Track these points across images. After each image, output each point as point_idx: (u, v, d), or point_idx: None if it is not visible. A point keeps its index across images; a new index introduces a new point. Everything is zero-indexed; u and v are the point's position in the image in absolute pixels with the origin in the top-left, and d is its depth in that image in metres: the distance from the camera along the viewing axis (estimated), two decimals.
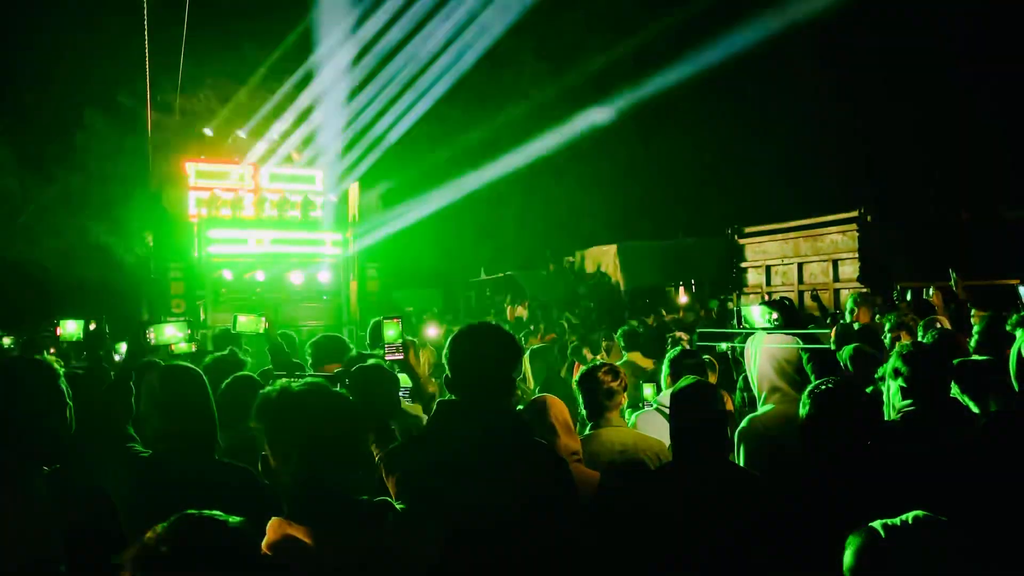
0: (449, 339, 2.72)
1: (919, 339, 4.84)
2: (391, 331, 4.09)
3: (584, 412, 3.95)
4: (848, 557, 1.92)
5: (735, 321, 3.58)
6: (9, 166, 22.90)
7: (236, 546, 1.59)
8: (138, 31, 17.10)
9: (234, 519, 1.63)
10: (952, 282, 6.59)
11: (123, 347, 4.80)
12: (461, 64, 22.99)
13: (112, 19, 19.20)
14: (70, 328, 3.92)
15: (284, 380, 2.15)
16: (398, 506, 2.12)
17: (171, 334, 3.78)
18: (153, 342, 3.55)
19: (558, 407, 3.57)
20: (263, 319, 4.42)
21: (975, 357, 3.64)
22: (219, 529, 1.60)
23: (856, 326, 6.50)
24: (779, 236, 14.13)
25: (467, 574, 2.26)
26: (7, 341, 7.10)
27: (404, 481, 2.43)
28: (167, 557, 1.53)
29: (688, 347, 7.86)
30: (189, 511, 1.63)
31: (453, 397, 2.66)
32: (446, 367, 2.69)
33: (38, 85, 21.44)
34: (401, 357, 4.05)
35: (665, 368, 5.14)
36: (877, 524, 1.95)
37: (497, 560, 2.32)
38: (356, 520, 1.96)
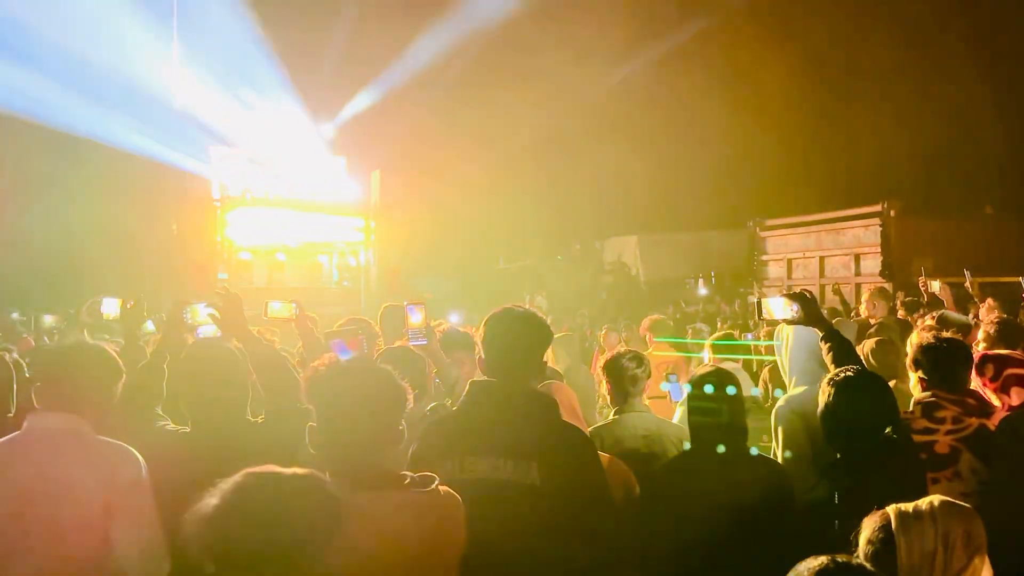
0: (483, 320, 2.81)
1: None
2: (416, 316, 4.13)
3: (608, 398, 4.01)
4: (863, 539, 1.99)
5: (755, 313, 3.63)
6: (35, 149, 23.12)
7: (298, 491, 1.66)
8: (166, 14, 17.23)
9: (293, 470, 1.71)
10: (966, 279, 6.58)
11: (149, 325, 4.87)
12: (482, 50, 23.00)
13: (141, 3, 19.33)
14: (108, 306, 4.02)
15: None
16: (442, 489, 2.18)
17: (205, 315, 3.87)
18: (190, 322, 3.63)
19: (564, 392, 3.63)
20: (294, 305, 4.51)
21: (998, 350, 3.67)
22: (280, 480, 1.67)
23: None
24: (801, 229, 14.10)
25: (492, 550, 2.34)
26: (48, 319, 7.30)
27: (421, 456, 2.52)
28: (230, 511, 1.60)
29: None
30: (249, 470, 1.70)
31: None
32: (480, 348, 2.79)
33: (62, 64, 21.58)
34: (426, 342, 4.10)
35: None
36: (891, 509, 2.01)
37: (520, 537, 2.40)
38: (402, 489, 2.04)
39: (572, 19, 23.85)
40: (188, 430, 2.90)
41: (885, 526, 2.01)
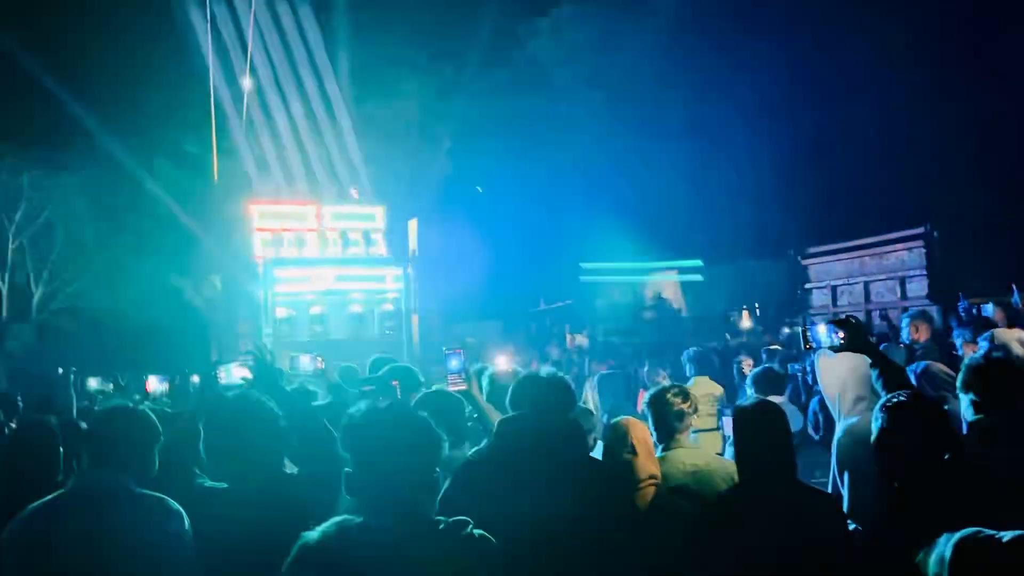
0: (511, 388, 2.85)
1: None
2: (455, 362, 4.13)
3: (655, 434, 3.94)
4: (948, 555, 1.93)
5: (800, 342, 3.55)
6: (84, 216, 23.78)
7: None
8: (203, 80, 17.70)
9: None
10: (1016, 297, 6.42)
11: (195, 378, 4.93)
12: (516, 98, 23.28)
13: (179, 69, 19.93)
14: (155, 384, 4.08)
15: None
16: (476, 532, 2.16)
17: (239, 374, 3.89)
18: (223, 382, 3.67)
19: (640, 429, 3.58)
20: (319, 358, 4.53)
21: None
22: None
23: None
24: (844, 255, 13.90)
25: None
26: (94, 383, 7.40)
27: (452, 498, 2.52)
28: None
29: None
30: None
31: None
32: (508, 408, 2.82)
33: (110, 136, 22.29)
34: (465, 388, 4.10)
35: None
36: (973, 531, 1.95)
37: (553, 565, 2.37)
38: (437, 535, 2.02)
39: (603, 57, 24.10)
40: (225, 486, 2.91)
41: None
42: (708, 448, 5.48)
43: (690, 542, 2.96)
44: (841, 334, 3.30)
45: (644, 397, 4.14)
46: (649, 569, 2.69)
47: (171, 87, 20.96)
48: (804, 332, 3.41)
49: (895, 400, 2.74)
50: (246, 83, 19.55)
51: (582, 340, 17.66)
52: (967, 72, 18.30)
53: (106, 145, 22.30)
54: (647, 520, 3.09)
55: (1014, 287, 6.45)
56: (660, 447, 3.91)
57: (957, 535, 2.19)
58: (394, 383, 3.74)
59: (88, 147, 22.36)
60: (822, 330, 3.35)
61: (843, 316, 3.39)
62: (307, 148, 19.99)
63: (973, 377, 3.13)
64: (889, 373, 3.16)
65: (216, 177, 19.37)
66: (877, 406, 2.79)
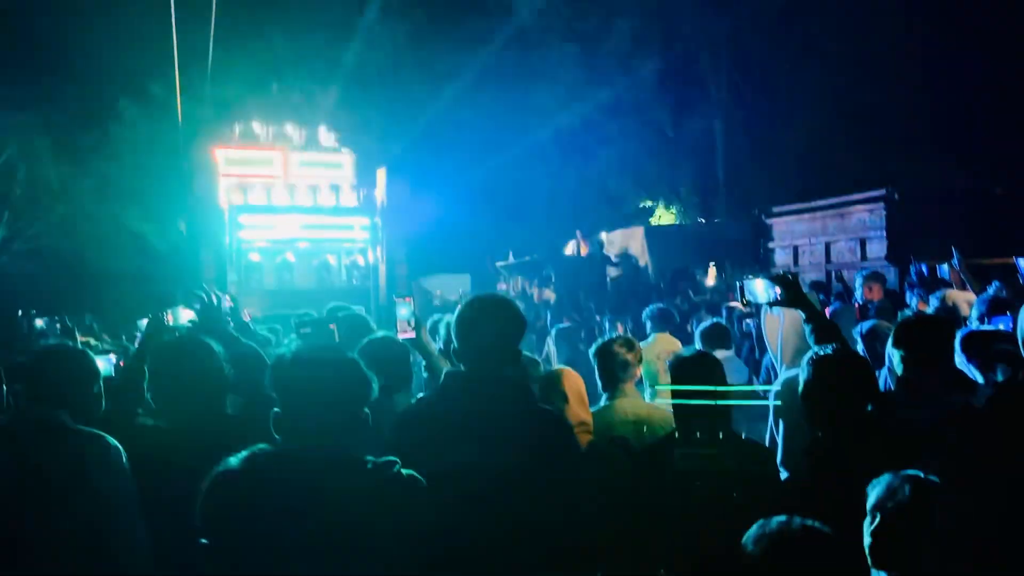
0: (456, 311, 2.81)
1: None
2: (403, 310, 4.15)
3: (599, 384, 4.01)
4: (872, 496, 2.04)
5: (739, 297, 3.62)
6: (46, 158, 23.33)
7: None
8: (167, 20, 17.26)
9: None
10: (956, 260, 6.55)
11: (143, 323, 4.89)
12: (490, 44, 23.05)
13: (144, 7, 19.46)
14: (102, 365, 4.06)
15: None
16: (405, 472, 2.20)
17: (187, 316, 3.89)
18: (171, 323, 3.67)
19: (572, 378, 3.64)
20: (247, 310, 4.54)
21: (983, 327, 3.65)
22: None
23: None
24: (806, 215, 14.01)
25: (465, 536, 2.36)
26: (40, 323, 7.36)
27: (397, 446, 2.54)
28: None
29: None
30: None
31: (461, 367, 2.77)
32: (453, 338, 2.79)
33: (73, 76, 21.80)
34: (413, 336, 4.13)
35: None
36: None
37: (495, 522, 2.41)
38: (362, 472, 2.07)
39: (578, 15, 23.89)
40: (165, 425, 2.94)
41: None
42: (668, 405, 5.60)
43: (619, 488, 3.04)
44: (778, 290, 3.38)
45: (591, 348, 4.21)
46: (579, 515, 2.75)
47: (136, 27, 20.45)
48: (741, 286, 3.49)
49: (821, 353, 2.82)
50: (212, 23, 19.09)
51: (549, 294, 17.74)
52: (930, 38, 18.37)
53: (69, 85, 21.83)
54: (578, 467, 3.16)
55: (953, 249, 6.58)
56: (605, 396, 3.99)
57: (908, 471, 2.30)
58: (332, 326, 3.76)
59: (51, 87, 21.88)
60: (759, 285, 3.42)
61: (781, 272, 3.46)
62: (274, 93, 19.68)
63: (902, 334, 3.22)
64: (821, 328, 3.24)
65: (181, 120, 18.98)
66: (804, 359, 2.87)
